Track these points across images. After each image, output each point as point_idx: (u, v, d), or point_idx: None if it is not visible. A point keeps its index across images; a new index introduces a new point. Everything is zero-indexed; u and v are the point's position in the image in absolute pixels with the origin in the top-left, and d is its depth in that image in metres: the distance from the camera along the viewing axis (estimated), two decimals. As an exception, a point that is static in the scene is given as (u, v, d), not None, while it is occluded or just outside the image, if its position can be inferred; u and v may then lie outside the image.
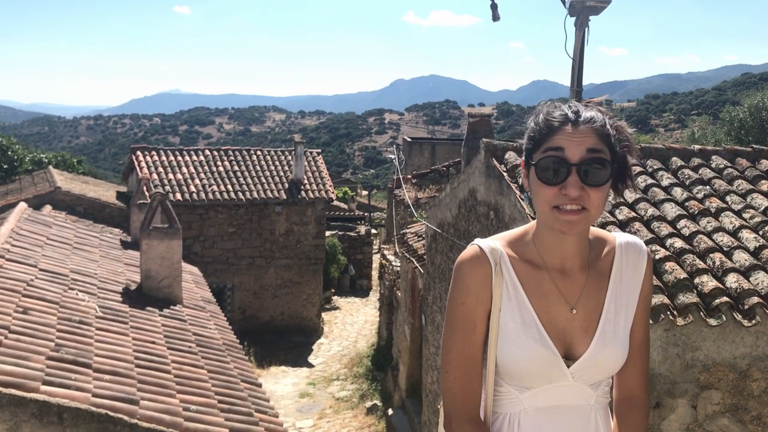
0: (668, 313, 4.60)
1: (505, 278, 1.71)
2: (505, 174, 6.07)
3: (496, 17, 5.62)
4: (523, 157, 1.71)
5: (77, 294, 7.21)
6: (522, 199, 1.63)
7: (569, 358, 1.70)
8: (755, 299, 4.62)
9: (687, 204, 5.67)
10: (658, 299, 4.60)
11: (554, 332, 1.69)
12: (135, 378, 5.61)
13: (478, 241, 1.76)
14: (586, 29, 4.86)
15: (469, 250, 1.75)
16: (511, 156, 6.18)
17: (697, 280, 4.79)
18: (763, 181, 6.11)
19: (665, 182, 6.01)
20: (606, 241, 1.80)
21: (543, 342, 1.68)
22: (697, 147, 6.72)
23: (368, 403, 13.26)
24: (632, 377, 1.83)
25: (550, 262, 1.72)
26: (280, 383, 15.03)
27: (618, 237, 1.82)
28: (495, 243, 1.75)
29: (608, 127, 1.63)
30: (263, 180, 18.93)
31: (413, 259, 11.28)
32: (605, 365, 1.72)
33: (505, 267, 1.71)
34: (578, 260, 1.73)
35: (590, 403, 1.74)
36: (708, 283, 4.73)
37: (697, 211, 5.56)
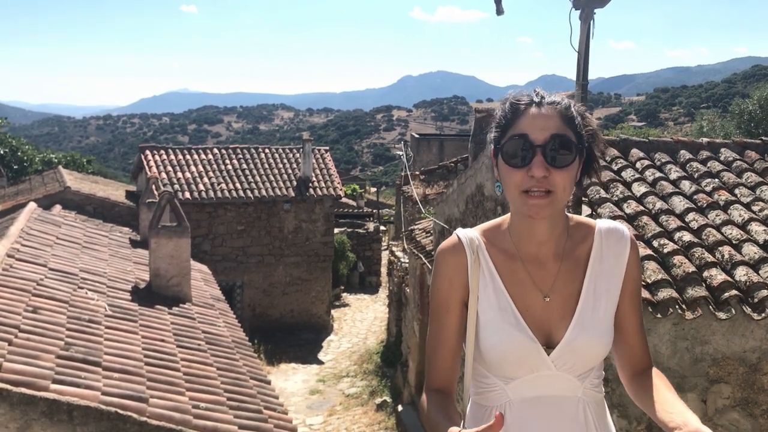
0: (677, 306, 4.58)
1: (483, 267, 1.74)
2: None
3: (500, 11, 5.60)
4: (492, 147, 1.72)
5: (87, 293, 7.24)
6: (496, 189, 1.65)
7: (550, 346, 1.70)
8: (765, 292, 4.59)
9: (695, 197, 5.64)
10: (667, 293, 4.58)
11: (531, 320, 1.71)
12: (144, 376, 5.63)
13: (458, 231, 1.80)
14: (592, 22, 4.83)
15: (449, 239, 1.80)
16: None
17: (705, 274, 4.76)
18: (773, 174, 6.07)
19: (673, 175, 5.98)
20: (586, 227, 1.80)
21: (519, 327, 1.69)
22: (705, 140, 6.68)
23: (378, 400, 13.27)
24: (639, 357, 1.81)
25: (524, 250, 1.74)
26: (290, 380, 15.06)
27: (598, 223, 1.81)
28: (473, 233, 1.79)
29: (572, 110, 1.65)
30: (272, 178, 18.96)
31: (421, 256, 11.27)
32: (585, 352, 1.71)
33: (482, 256, 1.75)
34: (552, 247, 1.74)
35: (577, 394, 1.73)
36: (717, 276, 4.70)
37: (705, 204, 5.53)
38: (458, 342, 1.77)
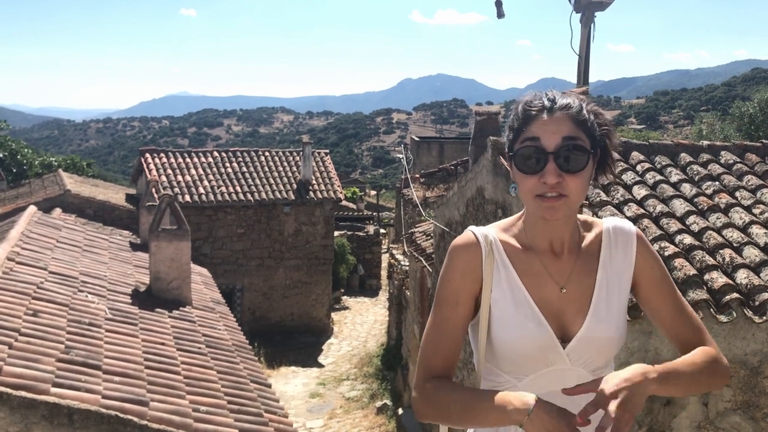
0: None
1: (497, 261, 1.74)
2: (512, 172, 6.05)
3: (501, 14, 5.60)
4: (507, 149, 1.74)
5: (87, 296, 7.24)
6: (511, 190, 1.69)
7: (565, 340, 1.71)
8: (766, 295, 4.58)
9: (696, 200, 5.63)
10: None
11: (547, 312, 1.71)
12: (145, 379, 5.62)
13: (472, 227, 1.81)
14: (592, 25, 4.83)
15: (463, 235, 1.81)
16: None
17: (706, 277, 4.76)
18: (773, 176, 6.06)
19: (674, 178, 5.97)
20: (594, 225, 1.84)
21: (535, 319, 1.69)
22: (705, 143, 6.68)
23: (378, 403, 13.26)
24: (686, 338, 1.77)
25: (539, 245, 1.76)
26: (290, 383, 15.05)
27: (605, 221, 1.84)
28: (488, 230, 1.80)
29: (585, 112, 1.64)
30: (272, 181, 18.97)
31: (422, 258, 11.27)
32: (601, 345, 1.72)
33: (496, 251, 1.75)
34: (567, 243, 1.77)
35: None
36: (718, 279, 4.70)
37: (706, 207, 5.53)
38: (461, 337, 1.77)
